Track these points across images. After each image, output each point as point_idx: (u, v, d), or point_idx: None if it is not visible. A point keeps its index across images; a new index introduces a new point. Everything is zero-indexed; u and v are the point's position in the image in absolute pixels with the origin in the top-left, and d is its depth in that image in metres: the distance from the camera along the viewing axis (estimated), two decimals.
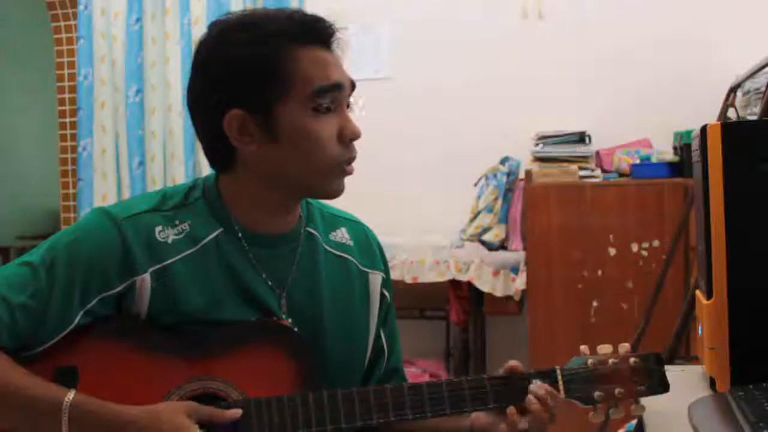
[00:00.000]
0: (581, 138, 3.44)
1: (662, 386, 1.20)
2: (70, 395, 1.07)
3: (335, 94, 1.16)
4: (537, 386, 1.17)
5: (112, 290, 1.14)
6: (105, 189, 3.97)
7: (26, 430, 1.10)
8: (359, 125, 1.19)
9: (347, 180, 1.21)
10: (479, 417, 1.22)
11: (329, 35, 1.17)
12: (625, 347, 1.22)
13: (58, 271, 1.12)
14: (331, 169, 1.17)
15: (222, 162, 1.21)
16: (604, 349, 1.22)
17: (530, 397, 1.16)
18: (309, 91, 1.14)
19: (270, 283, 1.21)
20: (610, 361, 1.20)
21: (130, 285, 1.14)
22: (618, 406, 1.19)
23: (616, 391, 1.18)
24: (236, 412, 1.11)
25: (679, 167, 3.20)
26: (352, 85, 1.20)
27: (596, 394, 1.18)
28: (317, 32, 1.16)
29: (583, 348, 1.22)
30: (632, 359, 1.20)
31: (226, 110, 1.15)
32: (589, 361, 1.20)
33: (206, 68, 1.18)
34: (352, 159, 1.19)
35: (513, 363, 1.20)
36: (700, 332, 1.30)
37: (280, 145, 1.15)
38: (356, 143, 1.20)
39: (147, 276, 1.14)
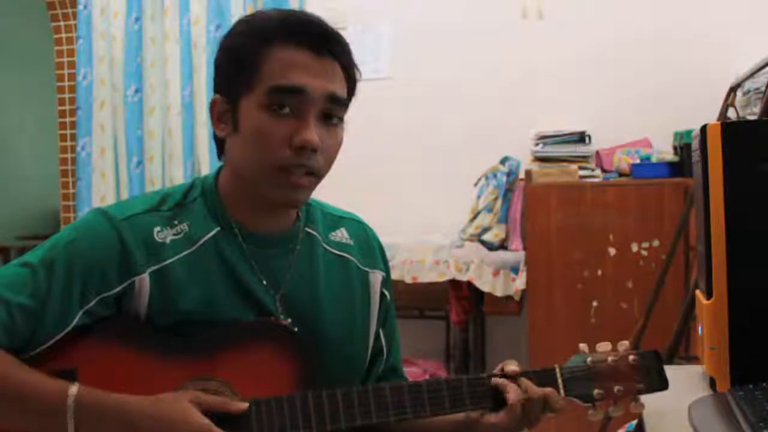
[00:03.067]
0: (581, 138, 3.44)
1: (661, 383, 1.20)
2: (74, 388, 1.07)
3: (296, 97, 1.13)
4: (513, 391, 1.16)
5: (111, 291, 1.14)
6: (104, 189, 3.97)
7: (30, 425, 1.09)
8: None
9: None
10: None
11: (319, 41, 1.15)
12: (624, 345, 1.22)
13: (57, 271, 1.12)
14: (276, 172, 1.14)
15: (218, 150, 1.25)
16: (603, 347, 1.22)
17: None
18: (266, 87, 1.13)
19: (266, 282, 1.21)
20: (609, 359, 1.20)
21: (129, 285, 1.14)
22: (617, 404, 1.19)
23: (616, 388, 1.18)
24: (242, 405, 1.10)
25: (679, 167, 3.20)
26: (335, 99, 1.16)
27: (595, 392, 1.18)
28: (305, 35, 1.15)
29: (582, 346, 1.22)
30: (631, 357, 1.20)
31: (214, 95, 1.20)
32: (588, 359, 1.21)
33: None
34: (302, 167, 1.14)
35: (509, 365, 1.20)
36: (700, 332, 1.30)
37: (240, 137, 1.16)
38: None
39: (146, 276, 1.14)
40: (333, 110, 1.16)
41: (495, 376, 1.18)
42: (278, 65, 1.13)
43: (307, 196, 1.20)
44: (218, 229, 1.20)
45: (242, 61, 1.15)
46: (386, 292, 1.35)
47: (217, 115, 1.20)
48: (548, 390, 1.17)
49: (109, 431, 1.07)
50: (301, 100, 1.13)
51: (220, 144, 1.24)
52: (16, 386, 1.07)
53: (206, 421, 1.06)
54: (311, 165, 1.14)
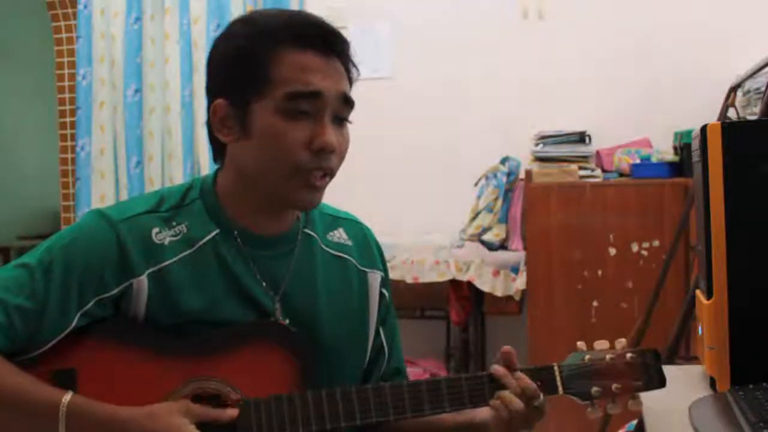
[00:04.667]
0: (581, 138, 3.44)
1: (659, 381, 1.20)
2: (68, 396, 1.07)
3: (314, 101, 1.13)
4: (506, 394, 1.16)
5: (109, 292, 1.14)
6: (103, 188, 3.97)
7: (22, 430, 1.09)
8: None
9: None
10: (481, 410, 1.21)
11: (326, 42, 1.15)
12: (621, 343, 1.23)
13: (54, 273, 1.12)
14: (294, 175, 1.14)
15: (215, 154, 1.23)
16: (601, 344, 1.22)
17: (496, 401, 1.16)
18: (283, 92, 1.12)
19: (265, 284, 1.21)
20: (607, 356, 1.20)
21: (127, 287, 1.14)
22: (616, 402, 1.19)
23: (614, 386, 1.18)
24: (233, 412, 1.10)
25: (679, 167, 3.20)
26: (346, 100, 1.17)
27: (594, 389, 1.18)
28: (312, 37, 1.14)
29: (580, 344, 1.23)
30: (629, 354, 1.20)
31: (214, 99, 1.17)
32: (587, 356, 1.21)
33: (208, 58, 1.21)
34: (321, 169, 1.15)
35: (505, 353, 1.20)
36: (700, 332, 1.30)
37: (252, 142, 1.15)
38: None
39: (144, 278, 1.14)
40: (344, 111, 1.17)
41: (493, 375, 1.18)
42: (291, 69, 1.13)
43: (323, 195, 1.20)
44: (217, 231, 1.20)
45: (250, 65, 1.14)
46: (385, 292, 1.35)
47: (219, 120, 1.17)
48: (532, 387, 1.16)
49: None
50: (316, 103, 1.13)
51: (219, 148, 1.22)
52: (10, 392, 1.07)
53: None
54: (329, 166, 1.15)
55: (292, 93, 1.12)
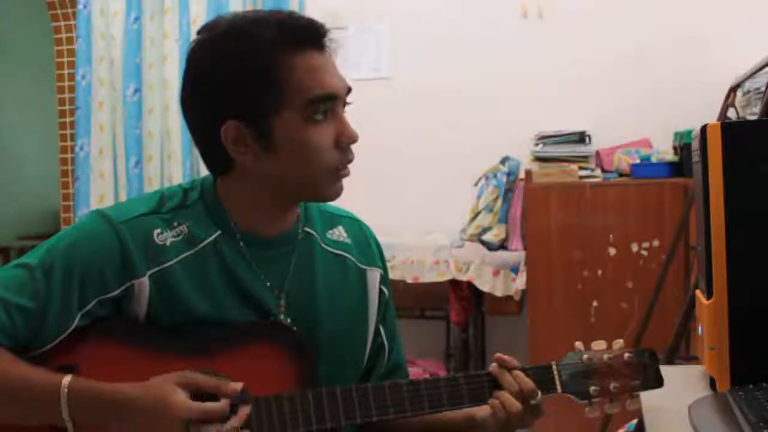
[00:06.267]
0: (581, 138, 3.44)
1: (656, 381, 1.21)
2: (67, 378, 1.08)
3: (329, 101, 1.14)
4: (502, 394, 1.17)
5: (111, 293, 1.14)
6: (102, 188, 3.97)
7: (27, 417, 1.11)
8: (355, 126, 1.18)
9: (348, 181, 1.21)
10: (480, 408, 1.22)
11: (321, 38, 1.15)
12: (618, 343, 1.24)
13: (55, 273, 1.12)
14: (330, 175, 1.17)
15: (219, 168, 1.21)
16: (599, 345, 1.23)
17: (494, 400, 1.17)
18: (304, 100, 1.12)
19: (268, 284, 1.21)
20: (605, 356, 1.21)
21: (129, 288, 1.14)
22: (614, 401, 1.20)
23: (612, 385, 1.19)
24: (236, 386, 1.09)
25: (679, 167, 3.20)
26: (348, 88, 1.18)
27: (592, 388, 1.19)
28: (310, 37, 1.14)
29: (578, 344, 1.24)
30: (626, 354, 1.21)
31: (222, 122, 1.13)
32: (584, 356, 1.22)
33: (200, 80, 1.16)
34: (347, 162, 1.18)
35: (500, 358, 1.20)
36: (700, 332, 1.30)
37: (278, 155, 1.14)
38: (357, 143, 1.19)
39: (146, 279, 1.14)
40: (347, 100, 1.19)
41: (493, 373, 1.19)
42: (306, 75, 1.12)
43: None
44: (219, 232, 1.20)
45: (258, 80, 1.12)
46: (384, 290, 1.35)
47: (233, 140, 1.14)
48: (530, 386, 1.17)
49: (101, 415, 1.08)
50: (332, 102, 1.15)
51: (223, 163, 1.18)
52: (13, 380, 1.08)
53: (188, 401, 1.06)
54: (353, 156, 1.19)
55: (312, 98, 1.13)
